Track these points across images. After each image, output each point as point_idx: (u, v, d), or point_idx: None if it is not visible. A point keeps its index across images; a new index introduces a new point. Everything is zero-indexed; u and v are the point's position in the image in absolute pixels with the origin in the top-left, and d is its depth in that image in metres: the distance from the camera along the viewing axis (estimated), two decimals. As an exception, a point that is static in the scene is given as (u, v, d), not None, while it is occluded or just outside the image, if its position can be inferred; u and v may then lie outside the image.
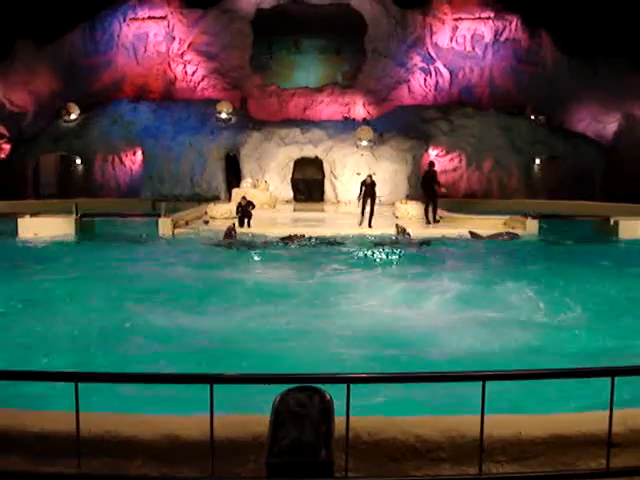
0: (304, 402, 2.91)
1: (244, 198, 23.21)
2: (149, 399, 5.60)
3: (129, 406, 5.32)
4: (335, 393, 3.06)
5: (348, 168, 32.43)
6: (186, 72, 39.13)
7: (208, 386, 3.10)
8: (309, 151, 33.05)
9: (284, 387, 2.99)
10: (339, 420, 3.05)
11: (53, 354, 8.14)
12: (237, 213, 22.55)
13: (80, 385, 3.24)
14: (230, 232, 19.69)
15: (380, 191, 28.73)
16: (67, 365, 7.61)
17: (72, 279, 13.15)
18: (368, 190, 23.35)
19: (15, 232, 19.96)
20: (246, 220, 22.10)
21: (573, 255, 17.04)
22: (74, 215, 20.61)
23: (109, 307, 10.56)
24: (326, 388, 3.02)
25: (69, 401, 3.30)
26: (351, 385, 3.06)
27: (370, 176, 24.25)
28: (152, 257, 16.21)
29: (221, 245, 18.53)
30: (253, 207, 22.77)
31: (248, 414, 3.90)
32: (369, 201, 23.19)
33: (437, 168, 26.34)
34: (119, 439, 3.69)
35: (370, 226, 22.52)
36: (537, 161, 35.27)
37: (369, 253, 17.09)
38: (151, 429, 3.75)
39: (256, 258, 16.49)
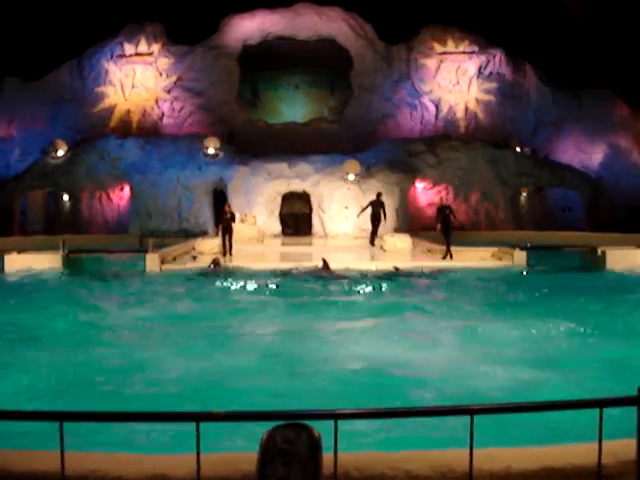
0: (292, 439, 2.89)
1: (229, 205, 23.38)
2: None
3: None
4: (323, 429, 3.04)
5: (336, 202, 32.58)
6: (173, 108, 39.28)
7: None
8: (297, 185, 33.18)
9: (271, 424, 2.97)
10: (327, 456, 3.02)
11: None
12: (219, 221, 22.34)
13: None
14: (215, 264, 19.77)
15: (368, 225, 28.97)
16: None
17: (55, 315, 13.09)
18: (374, 210, 27.08)
19: (1, 269, 19.86)
20: (227, 237, 22.06)
21: (562, 287, 17.05)
22: (61, 251, 20.55)
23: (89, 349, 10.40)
24: (314, 424, 3.00)
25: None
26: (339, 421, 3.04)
27: (378, 195, 27.72)
28: (137, 296, 16.09)
29: (207, 276, 18.56)
30: (234, 220, 22.79)
31: (236, 452, 3.86)
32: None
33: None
34: (105, 479, 3.64)
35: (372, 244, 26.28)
36: (524, 193, 35.54)
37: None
38: (138, 468, 3.70)
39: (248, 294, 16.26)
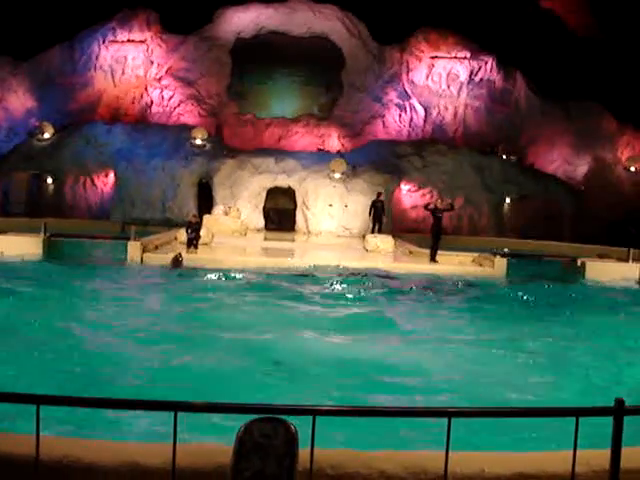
0: (268, 433, 2.87)
1: (195, 216, 23.15)
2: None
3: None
4: (300, 424, 3.03)
5: (320, 199, 32.55)
6: (163, 97, 39.11)
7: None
8: (282, 181, 33.12)
9: (248, 417, 2.96)
10: (303, 452, 3.02)
11: None
12: (187, 232, 22.05)
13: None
14: (177, 260, 19.39)
15: (352, 224, 29.00)
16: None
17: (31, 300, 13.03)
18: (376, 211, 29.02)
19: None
20: (194, 243, 21.77)
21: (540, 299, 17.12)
22: (42, 235, 20.38)
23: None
24: (291, 419, 3.00)
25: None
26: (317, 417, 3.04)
27: (378, 194, 29.57)
28: (115, 283, 16.02)
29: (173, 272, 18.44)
30: (200, 228, 22.54)
31: (212, 443, 3.85)
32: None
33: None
34: (79, 465, 3.62)
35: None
36: (507, 200, 35.63)
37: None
38: (112, 455, 3.69)
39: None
